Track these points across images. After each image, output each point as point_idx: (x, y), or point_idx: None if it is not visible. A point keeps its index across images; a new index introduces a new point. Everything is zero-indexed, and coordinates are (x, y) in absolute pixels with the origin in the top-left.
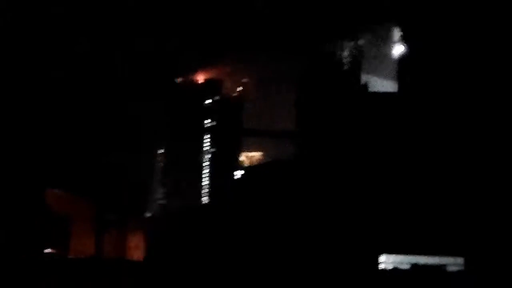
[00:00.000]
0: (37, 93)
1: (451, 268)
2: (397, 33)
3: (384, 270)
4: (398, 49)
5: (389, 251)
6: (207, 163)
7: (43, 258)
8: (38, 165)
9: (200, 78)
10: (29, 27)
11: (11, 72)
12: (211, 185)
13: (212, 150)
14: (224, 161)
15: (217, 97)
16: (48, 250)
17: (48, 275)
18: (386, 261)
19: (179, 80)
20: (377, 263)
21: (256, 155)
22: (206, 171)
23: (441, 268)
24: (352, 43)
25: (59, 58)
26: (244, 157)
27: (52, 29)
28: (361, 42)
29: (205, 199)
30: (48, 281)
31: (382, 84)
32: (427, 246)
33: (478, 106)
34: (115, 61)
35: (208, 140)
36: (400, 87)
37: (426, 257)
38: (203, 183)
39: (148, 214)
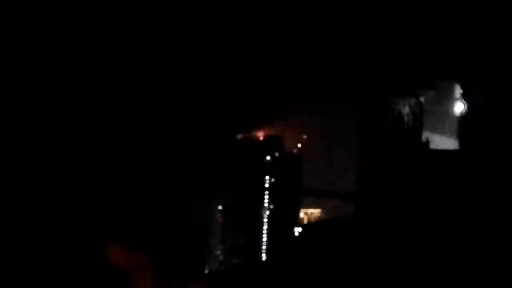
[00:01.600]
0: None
1: None
2: (458, 90)
3: None
4: (459, 106)
5: None
6: (267, 219)
7: None
8: (100, 220)
9: (260, 134)
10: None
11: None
12: (270, 241)
13: (271, 206)
14: (283, 218)
15: (277, 154)
16: None
17: None
18: None
19: (239, 136)
20: None
21: (315, 212)
22: (265, 227)
23: None
24: (413, 100)
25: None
26: (303, 214)
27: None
28: (422, 99)
29: (263, 256)
30: None
31: (444, 141)
32: None
33: None
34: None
35: (268, 196)
36: (461, 144)
37: None
38: (262, 239)
39: (207, 270)
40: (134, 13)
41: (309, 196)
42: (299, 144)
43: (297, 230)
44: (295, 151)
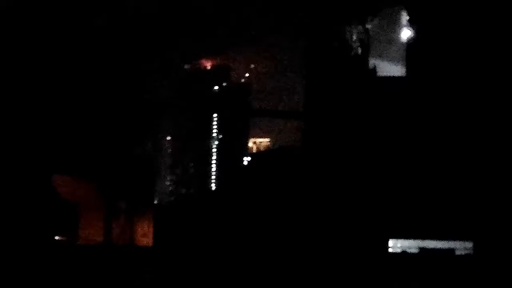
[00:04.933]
0: (43, 76)
1: (460, 252)
2: (404, 17)
3: (392, 255)
4: (406, 33)
5: (397, 236)
6: (215, 149)
7: (52, 245)
8: (46, 150)
9: (208, 64)
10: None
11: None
12: (219, 171)
13: (220, 136)
14: (232, 148)
15: (225, 83)
16: (57, 237)
17: (57, 262)
18: (394, 246)
19: (187, 66)
20: (386, 248)
21: (263, 141)
22: (214, 157)
23: (449, 252)
24: (360, 27)
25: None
26: (252, 144)
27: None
28: (368, 25)
29: (213, 186)
30: (57, 268)
31: (390, 68)
32: (436, 230)
33: (488, 90)
34: (123, 44)
35: (216, 126)
36: (408, 71)
37: (434, 241)
38: (211, 170)
39: (156, 201)
40: None
41: (256, 116)
42: (247, 73)
43: (246, 159)
44: (243, 80)
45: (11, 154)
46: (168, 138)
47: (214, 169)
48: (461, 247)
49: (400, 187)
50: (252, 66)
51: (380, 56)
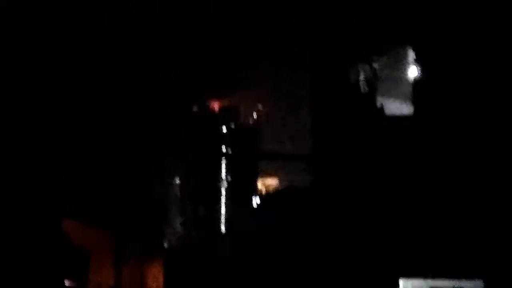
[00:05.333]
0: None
1: None
2: (411, 54)
3: None
4: (413, 71)
5: (408, 275)
6: (224, 191)
7: None
8: (55, 194)
9: (216, 105)
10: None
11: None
12: (228, 213)
13: (229, 178)
14: (241, 189)
15: (232, 125)
16: (67, 283)
17: None
18: (405, 286)
19: (194, 108)
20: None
21: (272, 181)
22: (223, 199)
23: None
24: (366, 66)
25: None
26: (261, 185)
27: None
28: (375, 64)
29: (222, 228)
30: None
31: (398, 107)
32: (446, 269)
33: (499, 129)
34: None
35: (225, 168)
36: (415, 110)
37: (444, 280)
38: (221, 212)
39: (166, 245)
40: None
41: (265, 159)
42: (255, 114)
43: (255, 201)
44: (250, 121)
45: (21, 197)
46: (177, 181)
47: (223, 211)
48: (471, 286)
49: (410, 226)
50: (260, 106)
51: (388, 95)
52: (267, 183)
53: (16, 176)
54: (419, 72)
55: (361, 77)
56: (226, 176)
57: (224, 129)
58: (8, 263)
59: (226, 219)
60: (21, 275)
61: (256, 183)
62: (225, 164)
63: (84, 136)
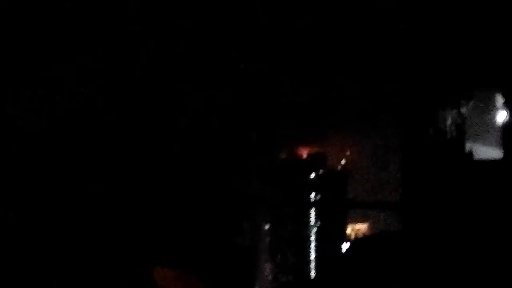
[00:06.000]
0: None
1: None
2: (500, 98)
3: None
4: (502, 115)
5: None
6: (314, 237)
7: None
8: (146, 243)
9: (304, 152)
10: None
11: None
12: (318, 259)
13: (318, 224)
14: (330, 235)
15: (321, 171)
16: None
17: None
18: None
19: (283, 155)
20: None
21: (362, 227)
22: (312, 245)
23: None
24: (455, 111)
25: None
26: (350, 230)
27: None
28: (463, 109)
29: (312, 274)
30: None
31: (487, 151)
32: None
33: None
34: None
35: (314, 214)
36: (505, 153)
37: None
38: (310, 257)
39: None
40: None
41: (356, 209)
42: (343, 160)
43: (345, 246)
44: (339, 167)
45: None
46: (266, 227)
47: (313, 257)
48: None
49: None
50: (348, 153)
51: (476, 140)
52: (356, 228)
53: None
54: (508, 116)
55: (449, 122)
56: (315, 222)
57: (313, 175)
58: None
59: (316, 265)
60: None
61: (345, 228)
62: (315, 211)
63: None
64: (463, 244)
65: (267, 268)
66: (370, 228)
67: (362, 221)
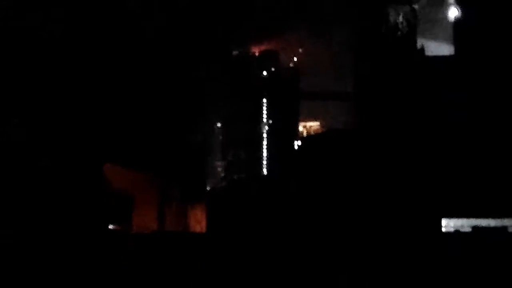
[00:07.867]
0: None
1: None
2: None
3: (446, 234)
4: (453, 12)
5: (450, 215)
6: (265, 134)
7: (107, 234)
8: (97, 140)
9: (256, 50)
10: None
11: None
12: (269, 156)
13: (270, 121)
14: (282, 132)
15: (273, 68)
16: (111, 226)
17: (111, 251)
18: (447, 225)
19: (235, 53)
20: (439, 227)
21: (313, 124)
22: (264, 142)
23: (503, 229)
24: (407, 8)
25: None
26: (302, 127)
27: None
28: (415, 6)
29: (264, 171)
30: (112, 257)
31: (438, 47)
32: (488, 208)
33: None
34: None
35: (266, 111)
36: (456, 50)
37: (486, 219)
38: (262, 155)
39: (208, 188)
40: None
41: (306, 99)
42: (295, 57)
43: (297, 143)
44: (291, 64)
45: (63, 145)
46: (219, 124)
47: (265, 154)
48: None
49: (453, 166)
50: (301, 49)
51: (428, 36)
52: (308, 125)
53: (58, 123)
54: (459, 13)
55: (401, 18)
56: (267, 119)
57: (265, 73)
58: (51, 208)
59: (267, 162)
60: (64, 219)
61: (297, 126)
62: (266, 107)
63: (127, 84)
64: (414, 138)
65: (219, 165)
66: (321, 125)
67: (313, 119)
